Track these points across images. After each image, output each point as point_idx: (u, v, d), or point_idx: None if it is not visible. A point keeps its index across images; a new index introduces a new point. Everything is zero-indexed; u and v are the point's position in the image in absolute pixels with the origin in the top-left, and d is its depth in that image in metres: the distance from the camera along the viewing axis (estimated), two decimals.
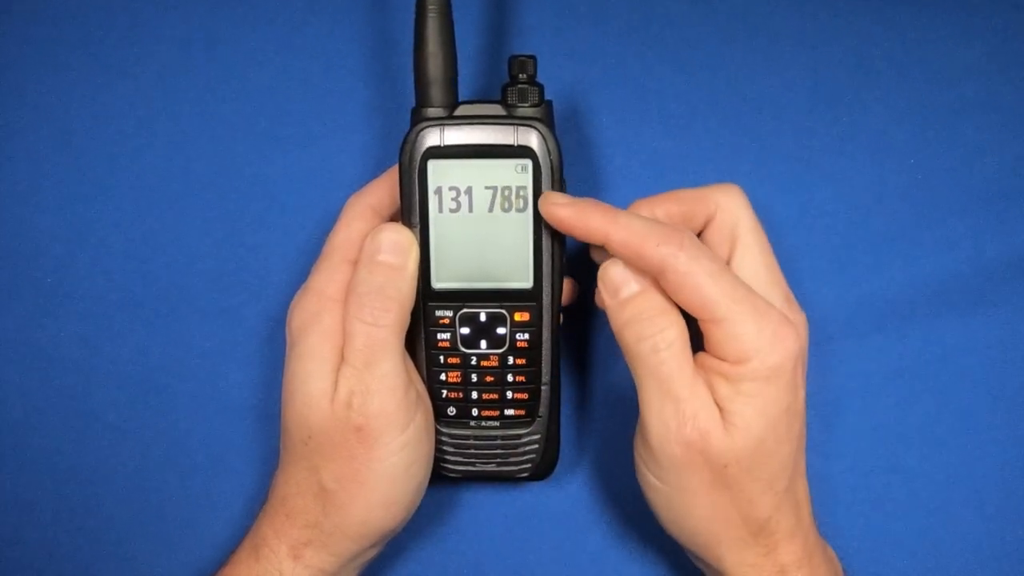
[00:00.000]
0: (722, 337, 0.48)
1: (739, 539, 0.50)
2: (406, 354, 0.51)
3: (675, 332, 0.49)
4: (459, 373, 0.53)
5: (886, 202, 0.59)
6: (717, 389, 0.48)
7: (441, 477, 0.55)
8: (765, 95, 0.60)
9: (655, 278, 0.49)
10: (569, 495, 0.60)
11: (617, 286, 0.49)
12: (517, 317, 0.52)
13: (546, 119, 0.50)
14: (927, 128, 0.60)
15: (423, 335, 0.52)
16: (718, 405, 0.48)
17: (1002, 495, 0.58)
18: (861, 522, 0.59)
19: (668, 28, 0.60)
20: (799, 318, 0.51)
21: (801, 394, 0.50)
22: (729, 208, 0.52)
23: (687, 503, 0.50)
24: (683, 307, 0.49)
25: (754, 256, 0.52)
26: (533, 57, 0.50)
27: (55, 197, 0.59)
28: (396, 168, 0.51)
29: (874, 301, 0.59)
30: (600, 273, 0.50)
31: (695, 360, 0.50)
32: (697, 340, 0.50)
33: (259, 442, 0.59)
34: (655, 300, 0.49)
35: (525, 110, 0.50)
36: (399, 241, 0.50)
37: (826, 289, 0.59)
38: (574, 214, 0.49)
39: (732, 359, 0.48)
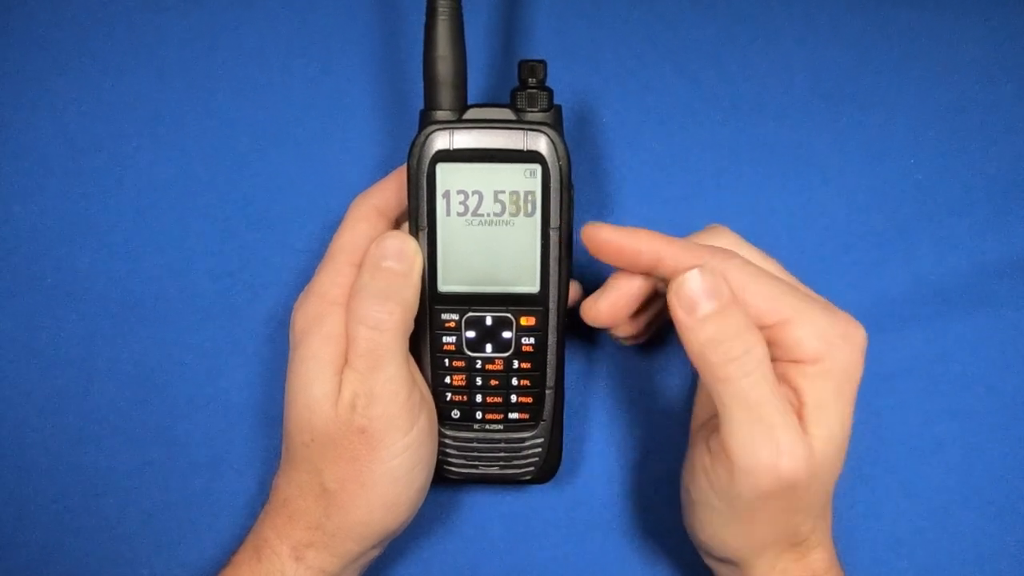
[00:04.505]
0: (793, 337, 0.47)
1: (779, 550, 0.50)
2: (410, 357, 0.51)
3: (762, 350, 0.46)
4: (464, 376, 0.53)
5: (886, 202, 0.60)
6: (802, 401, 0.47)
7: (443, 479, 0.55)
8: (765, 95, 0.60)
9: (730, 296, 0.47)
10: (570, 498, 0.60)
11: (694, 302, 0.46)
12: (523, 321, 0.51)
13: (555, 124, 0.50)
14: (927, 128, 0.60)
15: (428, 338, 0.52)
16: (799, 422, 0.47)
17: (1002, 495, 0.59)
18: (861, 523, 0.59)
19: (670, 31, 0.60)
20: None
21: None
22: None
23: (745, 524, 0.49)
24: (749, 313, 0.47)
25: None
26: (543, 62, 0.50)
27: (56, 197, 0.59)
28: (402, 170, 0.51)
29: (874, 301, 0.59)
30: (674, 287, 0.47)
31: None
32: None
33: (259, 442, 0.59)
34: (738, 317, 0.46)
35: (535, 115, 0.50)
36: (404, 249, 0.50)
37: (826, 289, 0.58)
38: (624, 235, 0.49)
39: (809, 357, 0.47)
